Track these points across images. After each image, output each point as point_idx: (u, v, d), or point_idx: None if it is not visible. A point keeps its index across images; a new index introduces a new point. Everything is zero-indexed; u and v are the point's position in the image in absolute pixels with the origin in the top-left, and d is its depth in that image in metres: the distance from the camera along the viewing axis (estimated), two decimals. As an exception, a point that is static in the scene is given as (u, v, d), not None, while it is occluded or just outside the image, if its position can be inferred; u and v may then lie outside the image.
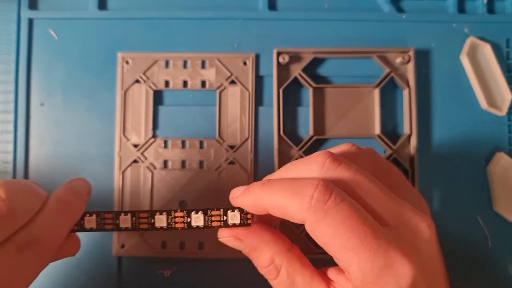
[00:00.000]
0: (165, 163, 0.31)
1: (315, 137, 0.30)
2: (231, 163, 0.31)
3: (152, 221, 0.23)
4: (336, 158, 0.20)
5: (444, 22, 0.32)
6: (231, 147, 0.31)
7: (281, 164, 0.30)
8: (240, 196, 0.22)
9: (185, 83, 0.31)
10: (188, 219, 0.23)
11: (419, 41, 0.32)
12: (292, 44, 0.31)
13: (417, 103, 0.31)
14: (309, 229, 0.19)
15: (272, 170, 0.30)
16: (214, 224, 0.23)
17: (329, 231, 0.18)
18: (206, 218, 0.23)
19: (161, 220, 0.23)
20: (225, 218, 0.23)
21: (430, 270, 0.19)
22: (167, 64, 0.31)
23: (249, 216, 0.23)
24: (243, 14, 0.32)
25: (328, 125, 0.31)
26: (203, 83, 0.31)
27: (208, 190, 0.30)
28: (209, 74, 0.31)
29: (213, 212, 0.23)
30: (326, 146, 0.31)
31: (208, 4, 0.32)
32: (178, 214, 0.23)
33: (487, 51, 0.32)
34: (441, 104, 0.32)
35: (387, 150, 0.31)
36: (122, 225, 0.23)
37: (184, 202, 0.31)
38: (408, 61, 0.31)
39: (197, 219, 0.23)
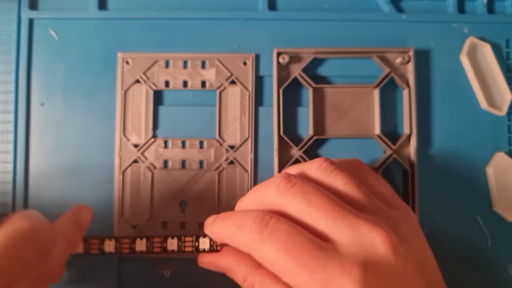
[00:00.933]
0: (165, 163, 0.31)
1: (315, 137, 0.31)
2: (231, 163, 0.31)
3: (134, 246, 0.26)
4: (290, 180, 0.22)
5: (444, 22, 0.32)
6: (231, 147, 0.31)
7: (281, 164, 0.30)
8: (207, 228, 0.25)
9: (185, 83, 0.31)
10: (164, 244, 0.26)
11: (419, 41, 0.32)
12: (292, 44, 0.31)
13: (417, 103, 0.31)
14: (255, 258, 0.21)
15: (272, 170, 0.30)
16: (187, 249, 0.26)
17: (269, 258, 0.20)
18: (180, 243, 0.26)
19: (141, 245, 0.26)
20: (196, 244, 0.26)
21: (391, 285, 0.20)
22: (167, 64, 0.31)
23: (218, 242, 0.25)
24: (243, 14, 0.32)
25: (328, 125, 0.31)
26: (203, 83, 0.31)
27: (209, 190, 0.31)
28: (209, 74, 0.31)
29: (187, 238, 0.26)
30: (326, 146, 0.31)
31: (209, 5, 0.32)
32: (156, 239, 0.26)
33: (487, 51, 0.32)
34: (441, 104, 0.32)
35: (387, 150, 0.31)
36: (106, 250, 0.26)
37: (185, 202, 0.31)
38: (408, 61, 0.31)
39: (172, 244, 0.26)
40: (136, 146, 0.31)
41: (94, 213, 0.30)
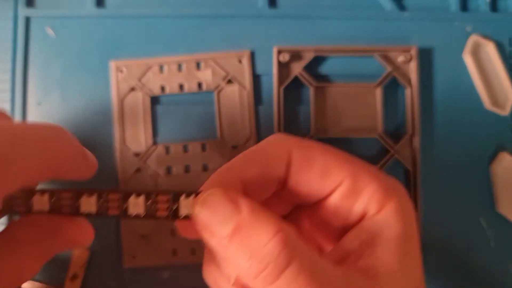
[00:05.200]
0: (169, 169, 0.30)
1: (316, 137, 0.30)
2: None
3: (78, 204, 0.18)
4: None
5: (447, 21, 0.32)
6: (234, 147, 0.30)
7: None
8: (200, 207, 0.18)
9: (181, 87, 0.31)
10: (125, 205, 0.18)
11: (421, 39, 0.32)
12: (292, 42, 0.31)
13: (419, 102, 0.31)
14: None
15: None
16: (159, 214, 0.18)
17: None
18: (149, 204, 0.18)
19: (89, 204, 0.18)
20: (175, 206, 0.18)
21: None
22: (161, 69, 0.31)
23: None
24: (243, 11, 0.31)
25: (329, 124, 0.31)
26: (200, 85, 0.31)
27: None
28: (205, 76, 0.31)
29: (160, 197, 0.18)
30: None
31: (207, 2, 0.32)
32: (112, 196, 0.18)
33: (490, 50, 0.31)
34: (444, 103, 0.31)
35: (388, 149, 0.31)
36: (35, 208, 0.18)
37: None
38: (410, 60, 0.31)
39: (136, 205, 0.18)
40: (137, 155, 0.30)
41: (99, 225, 0.30)
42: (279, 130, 0.30)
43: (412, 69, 0.31)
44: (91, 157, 0.20)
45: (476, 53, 0.31)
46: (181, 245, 0.30)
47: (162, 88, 0.31)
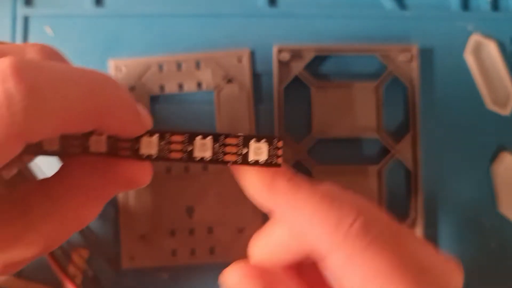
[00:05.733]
0: (169, 168, 0.30)
1: (316, 137, 0.30)
2: (234, 163, 0.30)
3: (137, 146, 0.17)
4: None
5: (448, 20, 0.32)
6: None
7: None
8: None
9: (180, 86, 0.31)
10: (190, 147, 0.17)
11: (422, 38, 0.31)
12: (293, 41, 0.31)
13: (420, 102, 0.30)
14: None
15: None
16: (227, 158, 0.17)
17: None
18: (217, 147, 0.17)
19: (149, 145, 0.17)
20: (245, 150, 0.17)
21: None
22: (161, 68, 0.31)
23: (279, 152, 0.17)
24: (243, 10, 0.31)
25: (330, 124, 0.31)
26: (199, 85, 0.31)
27: (214, 192, 0.30)
28: (205, 75, 0.31)
29: (228, 140, 0.17)
30: (328, 145, 0.31)
31: (207, 0, 0.31)
32: (176, 137, 0.17)
33: (491, 49, 0.31)
34: (445, 102, 0.31)
35: (389, 149, 0.30)
36: (92, 149, 0.17)
37: (191, 207, 0.30)
38: (411, 59, 0.31)
39: (203, 148, 0.17)
40: None
41: (97, 225, 0.30)
42: (279, 130, 0.30)
43: (413, 69, 0.31)
44: (144, 113, 0.18)
45: (477, 53, 0.31)
46: (181, 246, 0.30)
47: (162, 88, 0.31)
